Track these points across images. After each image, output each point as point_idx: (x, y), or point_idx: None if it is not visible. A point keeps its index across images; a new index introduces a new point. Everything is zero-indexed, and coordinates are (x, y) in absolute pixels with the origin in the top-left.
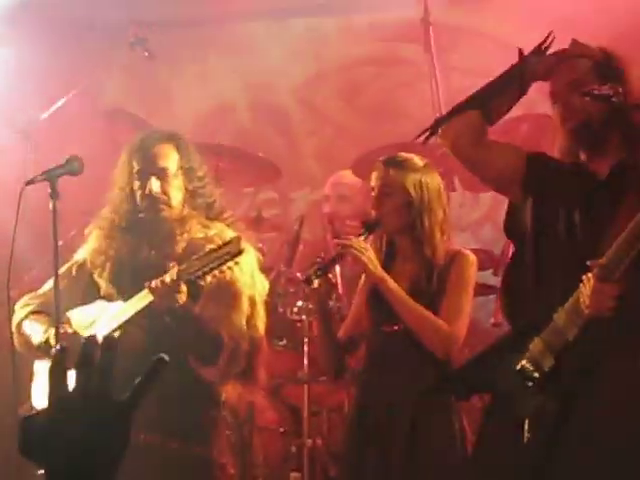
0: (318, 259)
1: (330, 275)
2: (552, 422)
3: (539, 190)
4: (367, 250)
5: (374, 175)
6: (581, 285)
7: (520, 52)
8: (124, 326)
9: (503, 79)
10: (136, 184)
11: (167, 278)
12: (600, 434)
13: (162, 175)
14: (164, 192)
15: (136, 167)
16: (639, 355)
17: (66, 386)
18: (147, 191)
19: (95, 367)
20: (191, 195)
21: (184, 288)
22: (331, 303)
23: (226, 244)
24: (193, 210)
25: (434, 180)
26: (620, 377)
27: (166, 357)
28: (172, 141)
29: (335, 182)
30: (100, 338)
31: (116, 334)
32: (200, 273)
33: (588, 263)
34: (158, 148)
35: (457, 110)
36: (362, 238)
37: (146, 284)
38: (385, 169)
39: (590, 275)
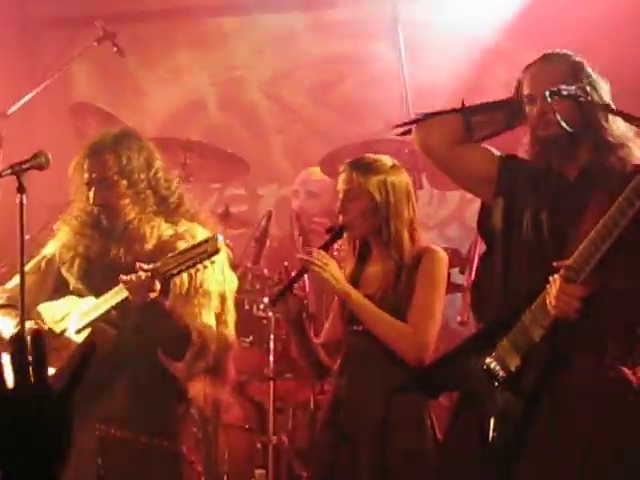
0: (281, 275)
1: (296, 288)
2: (517, 421)
3: (510, 191)
4: (328, 265)
5: (340, 178)
6: (548, 286)
7: (518, 89)
8: (95, 322)
9: (497, 103)
10: (86, 193)
11: (142, 275)
12: (565, 434)
13: (104, 185)
14: (105, 202)
15: (85, 176)
16: (603, 355)
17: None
18: (90, 201)
19: (28, 364)
20: (141, 196)
21: (158, 285)
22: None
23: (202, 243)
24: (154, 207)
25: (401, 181)
26: (585, 377)
27: (94, 344)
28: (118, 144)
29: (304, 178)
30: (28, 334)
31: (87, 330)
32: (175, 271)
33: (555, 264)
34: (102, 156)
35: (441, 112)
36: (328, 243)
37: (120, 279)
38: (350, 172)
39: (556, 276)
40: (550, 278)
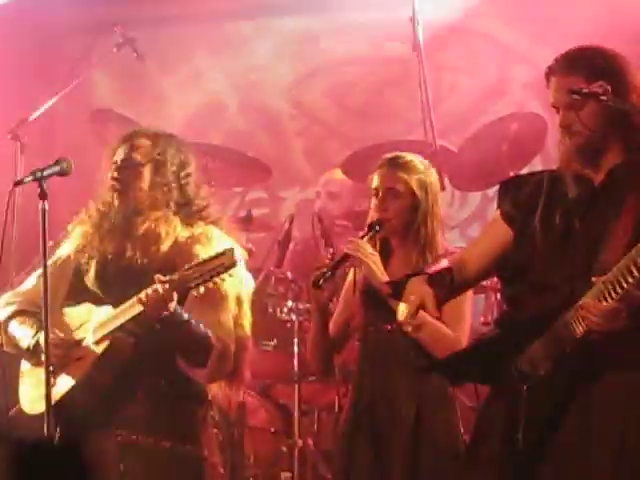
0: (326, 260)
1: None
2: (546, 422)
3: (515, 213)
4: (374, 255)
5: (378, 175)
6: (582, 300)
7: None
8: (113, 333)
9: None
10: (109, 172)
11: (159, 288)
12: (596, 434)
13: (131, 170)
14: (124, 182)
15: (115, 159)
16: (636, 369)
17: None
18: (110, 178)
19: None
20: (165, 189)
21: (175, 297)
22: (330, 304)
23: (220, 255)
24: (174, 207)
25: (435, 181)
26: (617, 389)
27: None
28: (159, 137)
29: (326, 179)
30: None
31: (106, 342)
32: (193, 285)
33: (593, 279)
34: (132, 141)
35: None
36: (366, 239)
37: (136, 297)
38: (391, 170)
39: (592, 291)
40: (588, 293)
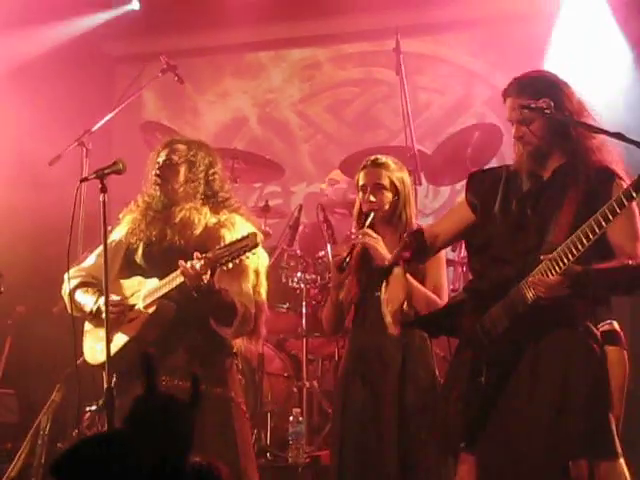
0: (345, 250)
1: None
2: (504, 367)
3: (480, 197)
4: (379, 239)
5: (365, 173)
6: (532, 275)
7: None
8: (159, 299)
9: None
10: (153, 180)
11: (196, 263)
12: (543, 375)
13: (170, 168)
14: (166, 182)
15: (158, 160)
16: (575, 316)
17: None
18: (153, 175)
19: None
20: (198, 184)
21: (209, 272)
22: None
23: (245, 238)
24: (203, 198)
25: (407, 177)
26: (559, 341)
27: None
28: (192, 143)
29: (332, 177)
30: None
31: (153, 306)
32: (224, 261)
33: (541, 257)
34: (172, 146)
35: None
36: (367, 224)
37: (180, 268)
38: (374, 169)
39: (540, 266)
40: (539, 266)
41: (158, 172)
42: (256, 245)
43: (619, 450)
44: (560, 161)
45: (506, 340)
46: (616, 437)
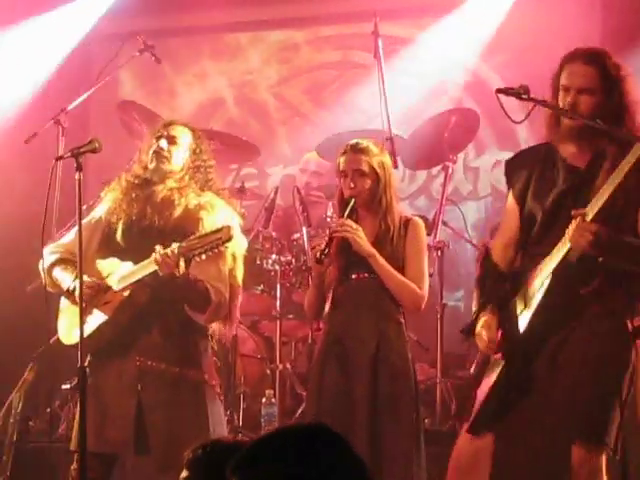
0: (324, 240)
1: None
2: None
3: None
4: (358, 230)
5: (345, 159)
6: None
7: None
8: (133, 284)
9: None
10: (153, 145)
11: (169, 252)
12: (565, 365)
13: (172, 141)
14: (168, 151)
15: (157, 134)
16: (617, 318)
17: None
18: (156, 147)
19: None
20: (194, 170)
21: (182, 261)
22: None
23: (219, 230)
24: (191, 180)
25: (388, 160)
26: (579, 334)
27: None
28: (191, 129)
29: (308, 160)
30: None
31: (128, 290)
32: (197, 253)
33: (572, 212)
34: (178, 126)
35: None
36: (346, 216)
37: (153, 256)
38: (355, 154)
39: (573, 221)
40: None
41: (160, 147)
42: (230, 239)
43: (610, 444)
44: (602, 146)
45: (546, 326)
46: (614, 432)
